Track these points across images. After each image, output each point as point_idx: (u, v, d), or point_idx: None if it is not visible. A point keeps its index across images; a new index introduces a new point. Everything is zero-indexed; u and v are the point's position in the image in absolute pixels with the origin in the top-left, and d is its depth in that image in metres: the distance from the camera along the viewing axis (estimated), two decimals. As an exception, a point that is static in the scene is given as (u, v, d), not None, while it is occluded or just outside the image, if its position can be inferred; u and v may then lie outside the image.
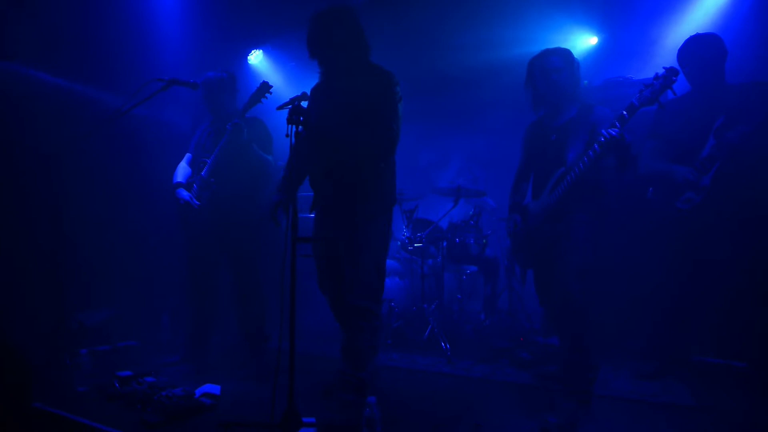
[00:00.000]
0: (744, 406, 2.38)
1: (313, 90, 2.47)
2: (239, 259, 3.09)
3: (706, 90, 2.71)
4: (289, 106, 2.13)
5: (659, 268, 2.89)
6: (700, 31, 2.74)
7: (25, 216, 3.35)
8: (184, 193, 3.04)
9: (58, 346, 2.99)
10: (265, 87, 2.87)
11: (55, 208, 3.44)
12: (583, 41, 4.34)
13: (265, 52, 4.93)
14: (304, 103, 2.19)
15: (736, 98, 2.60)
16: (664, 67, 2.04)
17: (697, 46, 2.71)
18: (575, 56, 2.45)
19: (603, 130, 2.16)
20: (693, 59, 2.71)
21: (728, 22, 3.54)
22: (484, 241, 4.04)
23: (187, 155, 3.26)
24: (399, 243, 4.10)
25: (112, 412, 2.28)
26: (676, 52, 2.79)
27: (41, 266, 3.35)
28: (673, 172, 2.71)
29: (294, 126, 2.06)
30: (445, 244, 3.93)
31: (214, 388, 2.49)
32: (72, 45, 3.64)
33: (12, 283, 3.22)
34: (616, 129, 2.13)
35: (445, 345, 3.33)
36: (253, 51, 4.89)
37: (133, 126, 3.78)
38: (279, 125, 2.54)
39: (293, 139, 2.04)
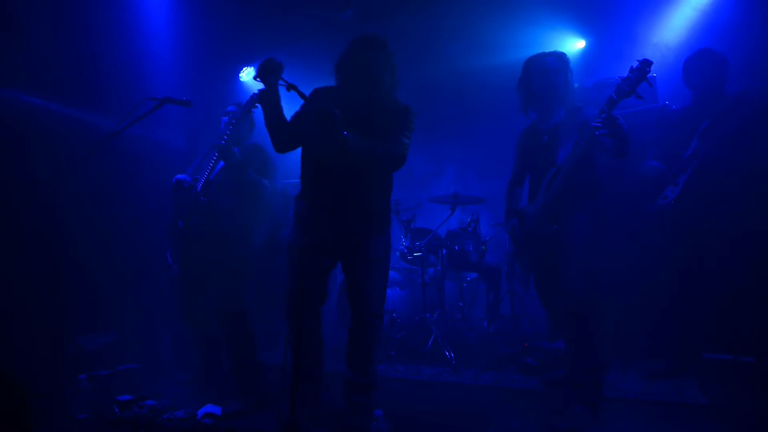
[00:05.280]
0: (754, 404, 2.35)
1: (321, 91, 2.38)
2: (221, 278, 2.90)
3: (705, 102, 2.78)
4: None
5: (661, 267, 2.88)
6: (689, 31, 2.81)
7: (22, 241, 3.31)
8: (182, 176, 2.99)
9: (57, 373, 2.93)
10: (254, 99, 2.81)
11: (53, 233, 3.41)
12: (571, 45, 4.38)
13: (257, 69, 4.94)
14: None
15: (725, 105, 2.67)
16: (638, 60, 2.08)
17: (702, 61, 2.78)
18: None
19: (593, 122, 2.17)
20: (697, 73, 2.80)
21: (711, 23, 3.59)
22: (483, 247, 4.02)
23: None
24: (398, 253, 4.07)
25: (113, 438, 2.23)
26: (677, 58, 2.95)
27: (39, 292, 3.31)
28: (646, 167, 2.78)
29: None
30: (444, 252, 3.91)
31: (215, 409, 2.44)
32: (64, 69, 3.64)
33: (10, 309, 3.17)
34: (604, 113, 2.14)
35: (450, 354, 3.29)
36: (244, 68, 4.91)
37: (129, 147, 3.76)
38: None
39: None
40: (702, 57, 2.80)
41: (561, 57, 2.49)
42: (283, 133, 2.33)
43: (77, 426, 2.41)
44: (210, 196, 2.94)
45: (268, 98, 2.27)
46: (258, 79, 2.23)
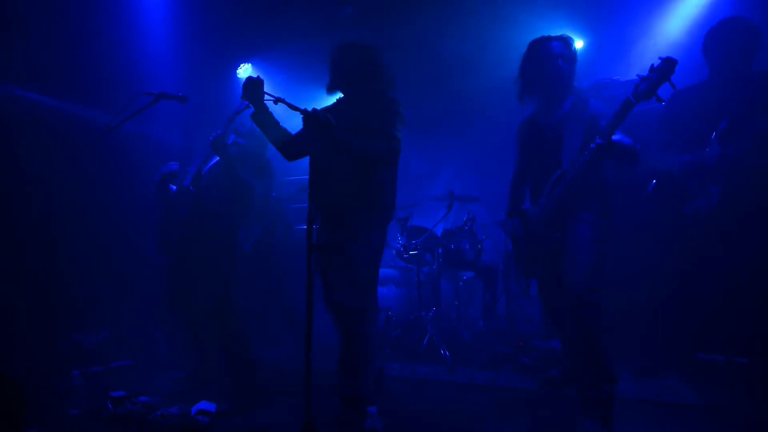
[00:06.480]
0: (747, 404, 2.36)
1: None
2: (209, 277, 2.86)
3: (724, 79, 2.56)
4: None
5: (659, 266, 2.87)
6: (689, 30, 2.69)
7: (16, 237, 3.29)
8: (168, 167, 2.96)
9: (51, 369, 2.92)
10: (237, 112, 2.74)
11: (48, 229, 3.40)
12: (570, 45, 4.38)
13: (254, 65, 4.93)
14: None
15: (748, 91, 2.46)
16: (660, 58, 1.87)
17: (724, 30, 2.54)
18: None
19: (592, 144, 2.02)
20: (717, 45, 2.55)
21: (713, 21, 3.58)
22: (480, 246, 4.02)
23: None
24: (394, 251, 4.07)
25: (105, 434, 2.22)
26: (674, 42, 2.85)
27: (34, 288, 3.30)
28: (684, 175, 2.62)
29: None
30: (440, 250, 3.91)
31: (209, 406, 2.43)
32: (61, 65, 3.62)
33: (4, 305, 3.15)
34: (604, 137, 1.98)
35: (445, 353, 3.29)
36: (241, 65, 4.89)
37: (125, 143, 3.75)
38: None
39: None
40: (723, 27, 2.52)
41: (566, 41, 2.27)
42: (288, 146, 2.38)
43: (70, 422, 2.40)
44: (199, 189, 2.88)
45: (259, 117, 2.28)
46: (246, 101, 2.25)
